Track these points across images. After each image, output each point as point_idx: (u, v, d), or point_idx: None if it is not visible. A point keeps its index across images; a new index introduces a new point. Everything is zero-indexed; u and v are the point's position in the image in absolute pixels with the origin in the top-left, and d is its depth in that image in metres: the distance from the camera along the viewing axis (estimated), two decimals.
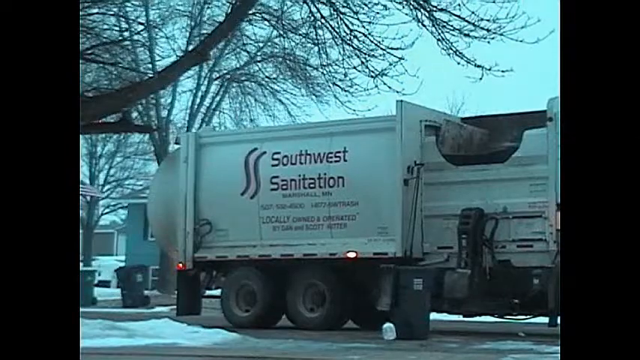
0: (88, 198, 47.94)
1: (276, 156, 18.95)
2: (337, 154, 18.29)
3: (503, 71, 17.13)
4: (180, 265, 19.79)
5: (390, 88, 17.95)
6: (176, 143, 22.30)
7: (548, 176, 16.49)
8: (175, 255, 20.11)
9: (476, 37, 16.99)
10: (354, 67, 18.34)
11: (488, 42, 16.94)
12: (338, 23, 17.93)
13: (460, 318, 18.36)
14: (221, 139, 20.85)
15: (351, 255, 17.99)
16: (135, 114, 27.70)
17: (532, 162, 16.78)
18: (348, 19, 17.81)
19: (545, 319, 16.20)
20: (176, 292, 20.99)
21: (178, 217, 19.72)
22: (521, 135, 17.11)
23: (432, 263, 17.33)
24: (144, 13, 28.69)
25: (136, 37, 26.35)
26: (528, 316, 17.12)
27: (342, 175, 18.19)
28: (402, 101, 17.62)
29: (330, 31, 18.20)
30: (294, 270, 18.72)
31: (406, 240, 17.40)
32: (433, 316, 16.38)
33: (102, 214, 57.38)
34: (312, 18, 18.45)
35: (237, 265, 19.42)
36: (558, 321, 16.04)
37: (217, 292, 20.07)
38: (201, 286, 20.33)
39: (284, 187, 18.82)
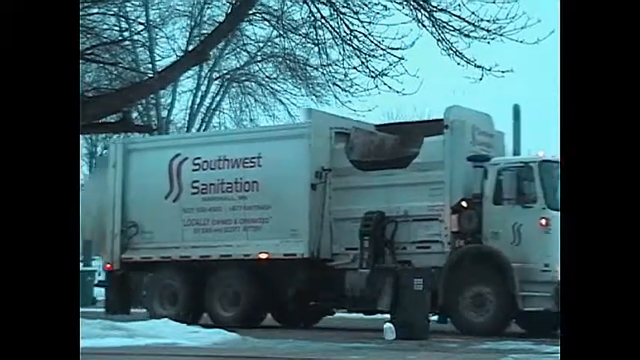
0: None
1: (196, 161, 19.86)
2: (252, 160, 19.16)
3: (503, 71, 17.10)
4: (109, 265, 20.76)
5: (390, 88, 17.91)
6: (105, 148, 23.36)
7: (444, 181, 17.41)
8: (105, 256, 21.09)
9: (476, 38, 16.95)
10: (355, 67, 18.30)
11: (489, 42, 16.90)
12: (338, 23, 17.88)
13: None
14: (147, 145, 21.90)
15: (263, 256, 18.79)
16: (135, 114, 27.63)
17: (430, 167, 17.67)
18: (348, 19, 17.76)
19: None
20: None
21: (107, 220, 20.61)
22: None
23: (340, 264, 18.22)
24: (144, 13, 28.61)
25: (136, 37, 26.36)
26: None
27: (257, 180, 19.04)
28: (311, 109, 18.76)
29: (330, 31, 18.15)
30: (212, 271, 19.51)
31: (314, 242, 18.26)
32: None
33: None
34: (312, 18, 18.40)
35: (161, 266, 20.21)
36: (448, 319, 17.11)
37: None
38: (136, 287, 21.35)
39: (204, 191, 19.69)
